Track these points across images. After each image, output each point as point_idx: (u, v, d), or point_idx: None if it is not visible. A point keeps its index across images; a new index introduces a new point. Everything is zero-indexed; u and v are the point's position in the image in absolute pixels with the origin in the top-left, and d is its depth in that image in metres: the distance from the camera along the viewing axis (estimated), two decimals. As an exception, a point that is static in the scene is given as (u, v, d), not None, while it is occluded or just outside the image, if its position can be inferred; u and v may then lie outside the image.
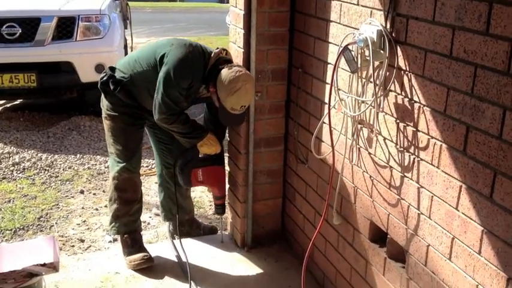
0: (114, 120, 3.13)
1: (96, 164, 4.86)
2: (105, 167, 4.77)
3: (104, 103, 3.15)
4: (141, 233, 3.37)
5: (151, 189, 4.39)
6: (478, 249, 1.87)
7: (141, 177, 3.30)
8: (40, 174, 4.64)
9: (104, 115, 3.18)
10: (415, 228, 2.18)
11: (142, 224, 3.78)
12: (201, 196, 4.31)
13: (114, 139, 3.16)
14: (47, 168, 4.74)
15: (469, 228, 1.90)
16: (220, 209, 3.30)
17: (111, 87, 3.01)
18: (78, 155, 5.02)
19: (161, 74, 2.89)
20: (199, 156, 3.14)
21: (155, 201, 4.15)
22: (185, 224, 3.56)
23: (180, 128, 3.00)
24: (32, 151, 5.01)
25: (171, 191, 3.46)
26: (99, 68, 5.44)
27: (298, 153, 3.16)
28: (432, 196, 2.07)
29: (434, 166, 2.04)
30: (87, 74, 5.54)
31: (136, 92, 3.06)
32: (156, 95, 2.91)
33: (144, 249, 3.24)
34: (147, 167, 4.82)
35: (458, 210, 1.94)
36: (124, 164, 3.14)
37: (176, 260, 3.26)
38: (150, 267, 3.15)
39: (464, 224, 1.91)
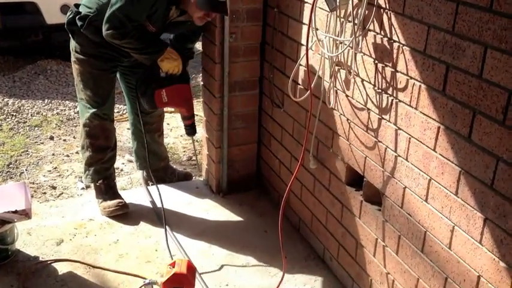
0: (83, 64, 2.99)
1: (65, 110, 4.72)
2: (75, 113, 4.64)
3: (72, 45, 3.00)
4: (115, 179, 3.31)
5: (123, 135, 4.29)
6: (454, 190, 1.86)
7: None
8: (7, 120, 4.49)
9: (72, 59, 3.03)
10: (392, 171, 2.17)
11: (116, 171, 3.71)
12: (175, 142, 4.24)
13: (84, 84, 3.03)
14: (14, 114, 4.58)
15: (446, 170, 1.88)
16: (190, 129, 3.13)
17: (78, 24, 2.85)
18: (46, 100, 4.86)
19: None
20: (162, 75, 2.94)
21: (128, 147, 4.07)
22: (160, 171, 3.50)
23: (134, 44, 2.80)
24: (-2, 97, 4.84)
25: (144, 139, 3.38)
26: (64, 8, 5.18)
27: (273, 97, 3.09)
28: (410, 138, 2.04)
29: (412, 107, 2.00)
30: (52, 15, 5.29)
31: None
32: (108, 9, 2.73)
33: (118, 196, 3.19)
34: (118, 112, 4.69)
35: (436, 152, 1.92)
36: (94, 110, 3.03)
37: (151, 206, 3.23)
38: (125, 213, 3.11)
39: (442, 166, 1.90)
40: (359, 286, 2.52)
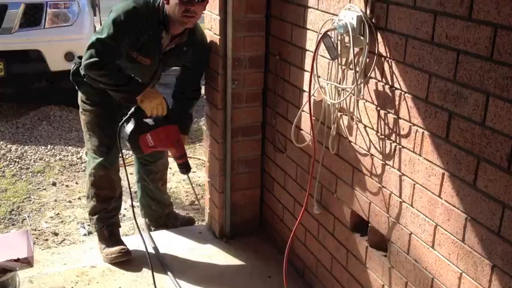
0: (89, 114, 3.03)
1: (68, 155, 4.74)
2: (77, 158, 4.66)
3: (79, 96, 3.05)
4: (120, 226, 3.29)
5: (125, 180, 4.29)
6: (461, 236, 1.85)
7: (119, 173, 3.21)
8: (10, 166, 4.50)
9: (80, 110, 3.09)
10: (397, 217, 2.17)
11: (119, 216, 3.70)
12: (177, 187, 4.24)
13: (90, 134, 3.06)
14: (17, 160, 4.60)
15: (452, 216, 1.88)
16: (183, 167, 3.05)
17: (81, 73, 2.90)
18: (49, 146, 4.88)
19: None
20: (146, 120, 2.85)
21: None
22: (163, 217, 3.49)
23: (111, 78, 2.74)
24: (1, 142, 4.85)
25: (148, 188, 3.41)
26: (68, 56, 5.29)
27: (276, 142, 3.12)
28: (414, 184, 2.05)
29: (416, 154, 2.02)
30: (56, 63, 5.38)
31: None
32: (90, 38, 2.74)
33: (121, 242, 3.17)
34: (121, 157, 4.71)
35: (441, 198, 1.92)
36: (100, 160, 3.05)
37: (154, 252, 3.20)
38: (128, 260, 3.08)
39: (447, 212, 1.90)
40: (366, 334, 2.48)
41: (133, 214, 2.85)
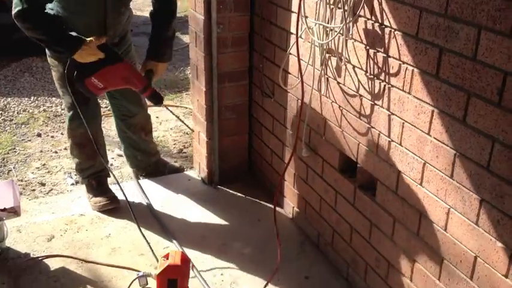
0: (57, 70, 2.88)
1: (52, 106, 4.66)
2: (62, 109, 4.58)
3: (46, 51, 2.87)
4: (108, 175, 3.27)
5: (112, 129, 4.25)
6: (450, 173, 1.87)
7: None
8: (-7, 118, 4.43)
9: (50, 66, 2.95)
10: (386, 156, 2.17)
11: (105, 165, 3.68)
12: (165, 135, 4.21)
13: (63, 91, 2.91)
14: (0, 112, 4.51)
15: (441, 153, 1.89)
16: (153, 99, 2.85)
17: None
18: (32, 98, 4.79)
19: None
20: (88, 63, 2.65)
21: (117, 141, 4.02)
22: (151, 166, 3.48)
23: (40, 32, 2.51)
24: (-18, 95, 4.76)
25: (131, 139, 3.34)
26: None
27: (264, 87, 3.08)
28: (403, 123, 2.04)
29: (405, 92, 2.01)
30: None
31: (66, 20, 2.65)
32: None
33: (109, 191, 3.16)
34: (106, 107, 4.65)
35: (430, 136, 1.92)
36: (77, 118, 2.87)
37: (142, 200, 3.20)
38: (116, 208, 3.08)
39: (436, 149, 1.91)
40: (354, 271, 2.53)
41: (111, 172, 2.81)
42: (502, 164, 1.66)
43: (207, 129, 3.21)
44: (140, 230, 2.65)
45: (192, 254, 2.72)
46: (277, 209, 3.14)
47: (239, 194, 3.27)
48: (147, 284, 2.46)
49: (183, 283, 2.33)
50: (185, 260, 2.36)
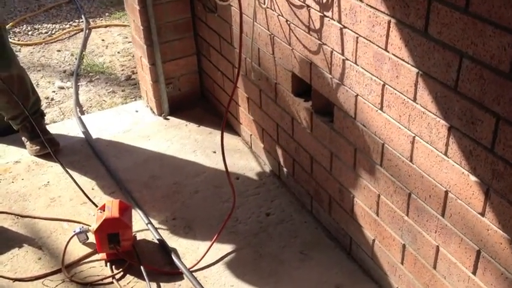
0: None
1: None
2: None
3: None
4: (44, 115, 2.92)
5: (53, 58, 3.84)
6: (412, 95, 1.56)
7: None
8: None
9: None
10: (341, 77, 1.85)
11: (45, 101, 3.32)
12: (112, 60, 3.81)
13: None
14: None
15: (401, 72, 1.57)
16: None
17: None
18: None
19: None
20: None
21: (58, 71, 3.64)
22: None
23: None
24: None
25: None
26: None
27: (205, 0, 2.67)
28: (357, 37, 1.70)
29: (357, 0, 1.65)
30: None
31: None
32: None
33: (46, 132, 2.82)
34: (46, 33, 4.20)
35: (388, 52, 1.59)
36: None
37: (85, 139, 2.88)
38: (56, 150, 2.76)
39: (396, 67, 1.58)
40: (319, 204, 2.29)
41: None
42: (472, 84, 1.35)
43: (148, 54, 2.83)
44: (74, 180, 2.34)
45: (141, 196, 2.46)
46: (234, 137, 2.85)
47: (192, 124, 2.95)
48: (87, 239, 2.23)
49: (125, 234, 2.08)
50: (125, 209, 2.09)
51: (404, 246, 1.82)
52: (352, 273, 2.09)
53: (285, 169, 2.48)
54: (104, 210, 2.06)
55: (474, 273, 1.55)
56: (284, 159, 2.46)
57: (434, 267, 1.71)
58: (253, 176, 2.59)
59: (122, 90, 3.41)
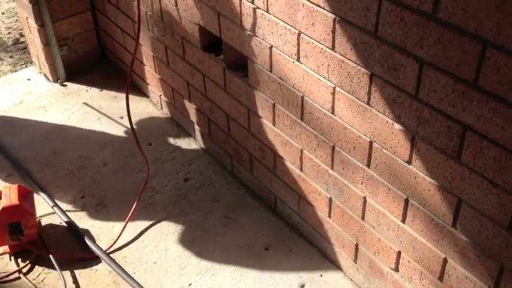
0: None
1: None
2: None
3: None
4: None
5: None
6: (330, 44, 1.46)
7: None
8: None
9: None
10: (253, 28, 1.71)
11: None
12: (-5, 24, 3.41)
13: None
14: None
15: (317, 19, 1.45)
16: None
17: None
18: None
19: None
20: None
21: None
22: None
23: None
24: None
25: None
26: None
27: None
28: (267, -18, 1.56)
29: None
30: None
31: None
32: None
33: None
34: None
35: (302, -3, 1.47)
36: None
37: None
38: None
39: (311, 14, 1.46)
40: (239, 164, 2.18)
41: None
42: (393, 28, 1.26)
43: (35, 14, 2.52)
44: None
45: (43, 176, 2.23)
46: (142, 99, 2.65)
47: (94, 89, 2.71)
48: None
49: (28, 222, 1.87)
50: (25, 194, 1.88)
51: (330, 199, 1.77)
52: (279, 231, 2.03)
53: (200, 130, 2.34)
54: (0, 198, 1.83)
55: (403, 221, 1.52)
56: (198, 120, 2.31)
57: (363, 218, 1.67)
58: (167, 140, 2.43)
59: (10, 57, 3.07)
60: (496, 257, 1.28)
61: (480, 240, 1.30)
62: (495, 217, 1.24)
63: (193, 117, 2.34)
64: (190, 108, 2.32)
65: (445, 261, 1.44)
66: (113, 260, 1.91)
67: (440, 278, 1.48)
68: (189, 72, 2.19)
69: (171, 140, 2.42)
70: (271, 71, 1.73)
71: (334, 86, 1.52)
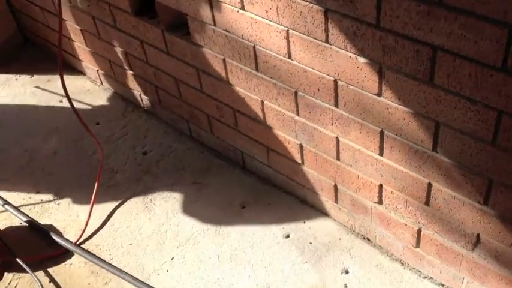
0: None
1: None
2: None
3: None
4: None
5: None
6: (277, -16, 1.36)
7: None
8: None
9: None
10: (187, -19, 1.58)
11: None
12: None
13: None
14: None
15: (258, -40, 1.35)
16: None
17: None
18: None
19: None
20: None
21: None
22: None
23: None
24: None
25: None
26: None
27: None
28: None
29: None
30: None
31: None
32: None
33: None
34: None
35: None
36: None
37: None
38: None
39: (251, -44, 1.35)
40: (198, 126, 2.09)
41: None
42: (344, -43, 1.18)
43: None
44: None
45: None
46: (79, 77, 2.48)
47: (23, 76, 2.51)
48: None
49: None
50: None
51: (301, 146, 1.72)
52: (253, 186, 1.97)
53: (149, 99, 2.21)
54: None
55: (381, 154, 1.49)
56: (145, 89, 2.18)
57: (338, 159, 1.63)
58: (115, 116, 2.29)
59: None
60: (483, 173, 1.27)
61: (464, 159, 1.29)
62: (477, 134, 1.22)
63: (138, 87, 2.21)
64: (134, 78, 2.18)
65: (429, 185, 1.42)
66: (86, 251, 1.82)
67: (427, 203, 1.47)
68: (125, 40, 2.04)
69: (120, 115, 2.29)
70: (215, 25, 1.62)
71: (286, 29, 1.43)
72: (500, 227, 1.34)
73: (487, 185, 1.28)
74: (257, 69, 1.62)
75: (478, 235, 1.41)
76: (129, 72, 2.17)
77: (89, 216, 1.91)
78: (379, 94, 1.36)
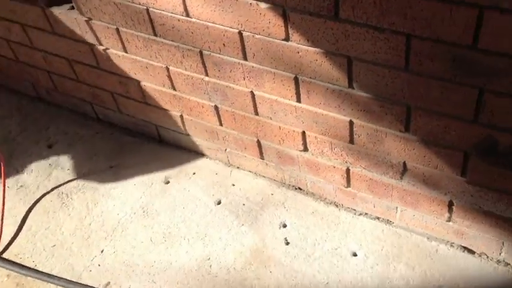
0: None
1: None
2: None
3: None
4: None
5: None
6: None
7: None
8: None
9: None
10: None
11: None
12: None
13: None
14: None
15: None
16: None
17: None
18: None
19: None
20: None
21: None
22: None
23: None
24: None
25: None
26: None
27: None
28: None
29: None
30: None
31: None
32: None
33: None
34: None
35: None
36: None
37: None
38: None
39: None
40: (101, 107, 1.95)
41: None
42: None
43: None
44: None
45: None
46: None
47: None
48: None
49: None
50: None
51: (216, 107, 1.65)
52: (173, 158, 1.89)
53: (44, 87, 2.03)
54: None
55: (299, 100, 1.45)
56: (36, 76, 2.00)
57: (256, 113, 1.58)
58: (8, 112, 2.09)
59: None
60: (400, 101, 1.27)
61: (380, 90, 1.28)
62: (389, 62, 1.20)
63: (28, 75, 2.02)
64: (21, 67, 1.99)
65: (351, 123, 1.41)
66: (7, 260, 1.66)
67: (351, 141, 1.46)
68: (3, 27, 1.84)
69: (13, 110, 2.10)
70: (100, -7, 1.49)
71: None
72: (424, 151, 1.35)
73: (405, 112, 1.28)
74: (155, 34, 1.52)
75: (404, 163, 1.42)
76: (14, 62, 1.98)
77: (1, 224, 1.74)
78: (287, 39, 1.31)
